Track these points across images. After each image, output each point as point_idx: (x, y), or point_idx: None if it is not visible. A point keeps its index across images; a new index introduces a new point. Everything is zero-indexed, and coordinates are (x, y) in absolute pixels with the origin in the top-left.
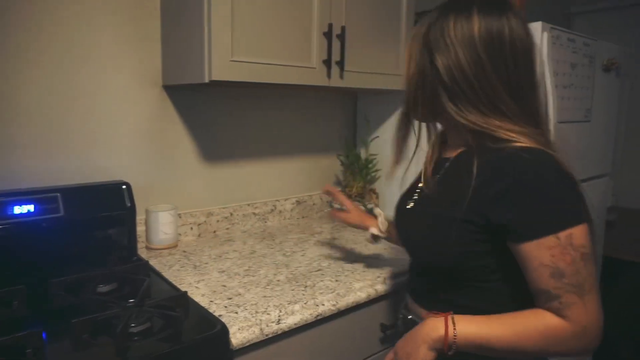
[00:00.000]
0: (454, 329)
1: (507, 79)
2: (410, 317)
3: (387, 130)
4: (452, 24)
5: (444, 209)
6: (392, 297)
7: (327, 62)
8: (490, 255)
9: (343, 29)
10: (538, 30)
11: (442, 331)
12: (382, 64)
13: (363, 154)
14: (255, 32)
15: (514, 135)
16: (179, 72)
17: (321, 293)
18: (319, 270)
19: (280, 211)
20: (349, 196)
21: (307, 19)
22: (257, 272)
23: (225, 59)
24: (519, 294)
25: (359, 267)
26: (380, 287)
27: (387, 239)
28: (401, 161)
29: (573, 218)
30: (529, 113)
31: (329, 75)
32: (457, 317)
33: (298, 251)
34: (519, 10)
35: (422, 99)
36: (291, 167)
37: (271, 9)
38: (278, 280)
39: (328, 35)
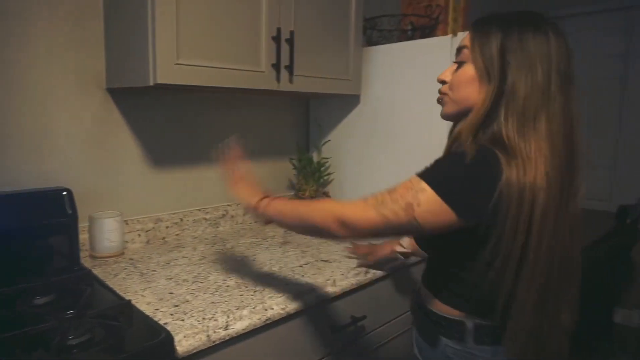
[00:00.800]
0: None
1: (555, 111)
2: (419, 299)
3: (339, 134)
4: (532, 40)
5: None
6: (343, 299)
7: (276, 66)
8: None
9: (292, 33)
10: None
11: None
12: (332, 69)
13: (315, 157)
14: (202, 35)
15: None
16: (123, 74)
17: (270, 297)
18: (269, 274)
19: (232, 216)
20: (302, 199)
21: (256, 23)
22: (206, 278)
23: (170, 62)
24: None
25: (310, 270)
26: (331, 290)
27: (414, 253)
28: None
29: (440, 187)
30: (549, 145)
31: (278, 79)
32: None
33: (250, 256)
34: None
35: (488, 115)
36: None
37: (218, 12)
38: (227, 286)
39: (277, 39)
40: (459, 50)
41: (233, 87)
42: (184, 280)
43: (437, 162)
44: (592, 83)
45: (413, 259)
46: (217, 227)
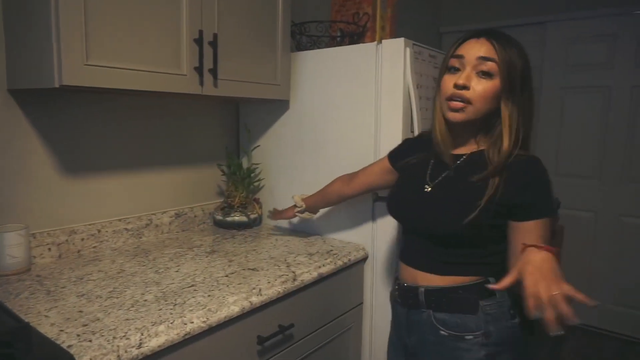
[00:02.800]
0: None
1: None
2: (405, 284)
3: (269, 140)
4: (524, 61)
5: (469, 192)
6: (269, 308)
7: (199, 70)
8: (496, 228)
9: (215, 36)
10: (401, 46)
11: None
12: (260, 73)
13: (246, 163)
14: (116, 35)
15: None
16: (26, 75)
17: (191, 310)
18: (192, 286)
19: (157, 225)
20: (231, 207)
21: (176, 25)
22: (122, 293)
23: (79, 62)
24: (502, 254)
25: (235, 279)
26: (256, 299)
27: (307, 209)
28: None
29: (551, 210)
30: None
31: (201, 83)
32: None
33: (172, 267)
34: None
35: (487, 116)
36: (169, 178)
37: (134, 11)
38: (145, 300)
39: (199, 42)
40: (483, 59)
41: (151, 90)
42: (97, 297)
43: (545, 189)
44: None
45: (306, 214)
46: (140, 237)
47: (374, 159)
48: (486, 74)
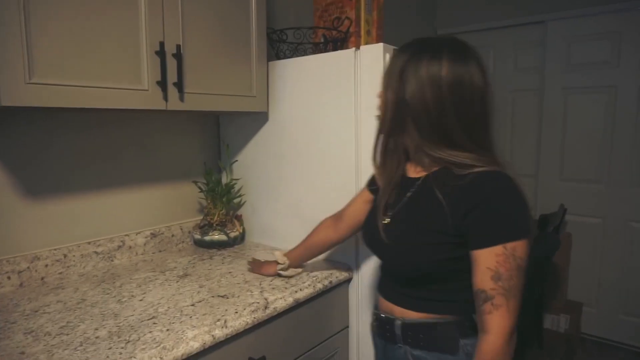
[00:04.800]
0: None
1: (463, 116)
2: (383, 315)
3: (250, 153)
4: (425, 65)
5: (422, 223)
6: (238, 340)
7: (162, 84)
8: (460, 261)
9: (179, 47)
10: (380, 51)
11: None
12: (233, 85)
13: (226, 178)
14: (63, 50)
15: (469, 161)
16: None
17: (143, 349)
18: (152, 318)
19: (130, 247)
20: (210, 225)
21: (134, 37)
22: (75, 329)
23: (20, 81)
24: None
25: (201, 309)
26: (220, 333)
27: (291, 265)
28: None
29: (519, 233)
30: (480, 143)
31: (165, 97)
32: None
33: (138, 295)
34: (480, 59)
35: (394, 124)
36: (143, 197)
37: (83, 23)
38: (97, 337)
39: (161, 54)
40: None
41: (109, 108)
42: (46, 334)
43: (495, 216)
44: (512, 94)
45: (290, 271)
46: (112, 260)
47: (355, 173)
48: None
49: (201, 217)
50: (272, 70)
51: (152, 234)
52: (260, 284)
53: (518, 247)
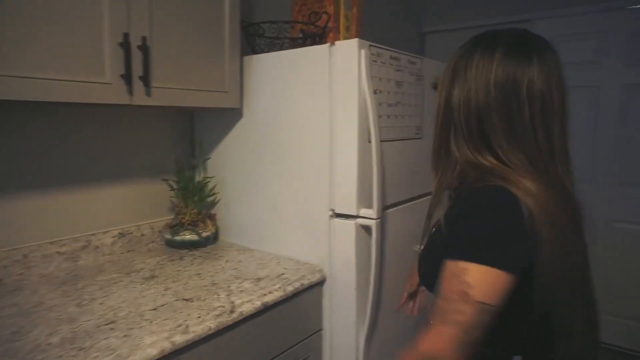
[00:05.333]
0: None
1: (509, 124)
2: None
3: (224, 150)
4: (475, 62)
5: (435, 237)
6: (199, 347)
7: (127, 78)
8: None
9: (144, 39)
10: (354, 47)
11: None
12: (204, 80)
13: (200, 176)
14: (15, 40)
15: (497, 175)
16: None
17: (95, 357)
18: (111, 322)
19: (96, 247)
20: (182, 224)
21: (96, 28)
22: (26, 335)
23: None
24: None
25: (163, 313)
26: (180, 339)
27: None
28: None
29: (477, 256)
30: (523, 155)
31: (130, 92)
32: None
33: (99, 298)
34: (547, 56)
35: (442, 129)
36: (112, 195)
37: (39, 12)
38: (48, 344)
39: (125, 46)
40: None
41: (66, 101)
42: None
43: (458, 229)
44: None
45: None
46: (77, 261)
47: (329, 174)
48: None
49: (168, 217)
50: (247, 65)
51: (120, 233)
52: (228, 287)
53: (471, 271)
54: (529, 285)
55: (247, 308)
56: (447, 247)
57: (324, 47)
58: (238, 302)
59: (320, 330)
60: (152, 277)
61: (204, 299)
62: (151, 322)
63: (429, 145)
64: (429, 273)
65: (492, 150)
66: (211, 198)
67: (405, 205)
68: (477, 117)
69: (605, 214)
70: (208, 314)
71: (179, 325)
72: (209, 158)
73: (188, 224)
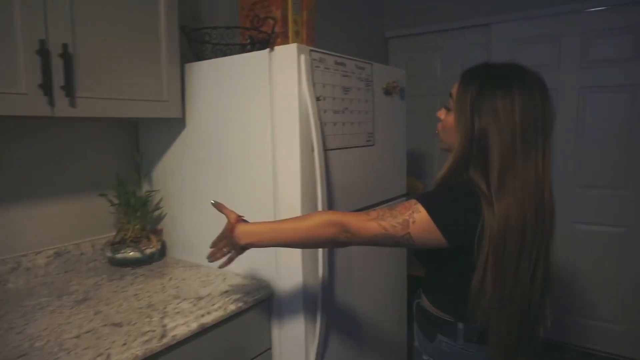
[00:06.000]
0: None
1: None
2: (419, 302)
3: (168, 163)
4: (500, 98)
5: None
6: None
7: (46, 88)
8: (453, 267)
9: (65, 46)
10: (293, 52)
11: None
12: (139, 89)
13: (142, 190)
14: None
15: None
16: None
17: None
18: (23, 355)
19: (27, 268)
20: (124, 241)
21: (5, 35)
22: None
23: None
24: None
25: (86, 341)
26: None
27: None
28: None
29: (432, 210)
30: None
31: (51, 102)
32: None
33: (18, 326)
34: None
35: (464, 155)
36: (47, 212)
37: None
38: None
39: (43, 53)
40: (450, 96)
41: None
42: None
43: (436, 190)
44: None
45: None
46: (6, 284)
47: (272, 184)
48: (448, 110)
49: (110, 235)
50: (189, 73)
51: (56, 253)
52: (164, 308)
53: (421, 215)
54: (472, 255)
55: (182, 331)
56: (420, 195)
57: (263, 53)
58: (171, 325)
59: (270, 349)
60: (85, 299)
61: (135, 323)
62: (69, 352)
63: (381, 152)
64: (427, 256)
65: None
66: (157, 212)
67: None
68: (504, 157)
69: (565, 215)
70: (135, 340)
71: (100, 355)
72: (151, 171)
73: (130, 241)
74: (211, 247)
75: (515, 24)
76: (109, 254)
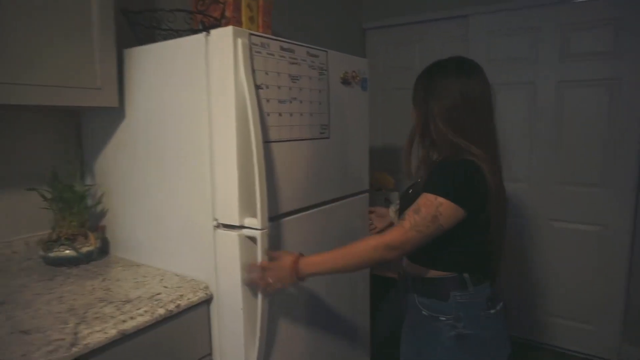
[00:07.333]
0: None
1: (475, 117)
2: (402, 272)
3: (110, 156)
4: (446, 80)
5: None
6: None
7: None
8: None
9: None
10: (229, 37)
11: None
12: (68, 75)
13: (81, 184)
14: None
15: (470, 154)
16: None
17: None
18: None
19: None
20: (59, 238)
21: None
22: None
23: None
24: (474, 253)
25: None
26: None
27: None
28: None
29: (450, 195)
30: (484, 137)
31: None
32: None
33: None
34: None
35: (421, 127)
36: None
37: None
38: None
39: None
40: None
41: None
42: None
43: (441, 174)
44: None
45: None
46: None
47: (210, 180)
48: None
49: (43, 232)
50: (129, 59)
51: None
52: (85, 313)
53: (444, 205)
54: (479, 217)
55: (96, 339)
56: (427, 186)
57: (199, 37)
58: (85, 332)
59: (209, 354)
60: (2, 303)
61: (45, 331)
62: None
63: (339, 145)
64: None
65: (465, 135)
66: (100, 208)
67: (309, 212)
68: (450, 116)
69: (543, 213)
70: (39, 349)
71: None
72: (93, 165)
73: (66, 239)
74: (249, 271)
75: (494, 15)
76: (41, 253)
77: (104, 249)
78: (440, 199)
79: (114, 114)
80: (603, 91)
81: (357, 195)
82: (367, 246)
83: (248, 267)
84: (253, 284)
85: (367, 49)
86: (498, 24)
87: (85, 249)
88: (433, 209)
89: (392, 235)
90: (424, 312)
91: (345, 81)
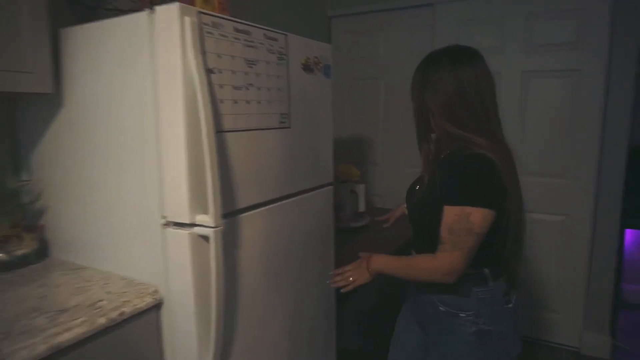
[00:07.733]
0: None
1: (473, 109)
2: None
3: (50, 148)
4: (439, 74)
5: (431, 188)
6: None
7: None
8: None
9: None
10: (175, 15)
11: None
12: None
13: (14, 179)
14: None
15: (475, 145)
16: None
17: None
18: None
19: None
20: None
21: None
22: None
23: None
24: (491, 247)
25: None
26: None
27: None
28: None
29: (475, 201)
30: (484, 128)
31: None
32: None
33: None
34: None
35: (421, 122)
36: None
37: None
38: None
39: None
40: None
41: None
42: None
43: (452, 177)
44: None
45: None
46: None
47: (158, 174)
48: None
49: None
50: (66, 40)
51: None
52: (11, 326)
53: (474, 214)
54: (500, 214)
55: (21, 356)
56: (447, 197)
57: (142, 15)
58: (7, 350)
59: None
60: None
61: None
62: None
63: (300, 135)
64: (419, 217)
65: (465, 127)
66: (38, 205)
67: (270, 207)
68: (446, 111)
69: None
70: None
71: None
72: (30, 158)
73: None
74: (335, 273)
75: (460, 4)
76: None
77: (43, 251)
78: (467, 209)
79: (52, 101)
80: (566, 82)
81: (321, 188)
82: (425, 270)
83: (331, 275)
84: (337, 286)
85: (332, 38)
86: (464, 13)
87: (19, 252)
88: (464, 222)
89: (440, 261)
90: (441, 308)
91: (307, 67)
